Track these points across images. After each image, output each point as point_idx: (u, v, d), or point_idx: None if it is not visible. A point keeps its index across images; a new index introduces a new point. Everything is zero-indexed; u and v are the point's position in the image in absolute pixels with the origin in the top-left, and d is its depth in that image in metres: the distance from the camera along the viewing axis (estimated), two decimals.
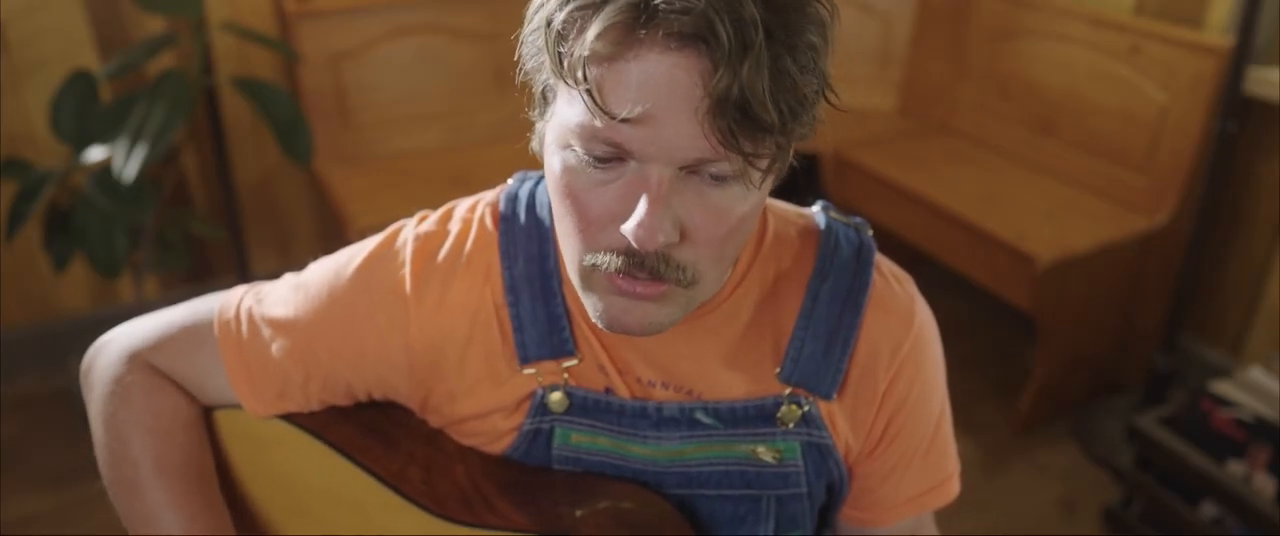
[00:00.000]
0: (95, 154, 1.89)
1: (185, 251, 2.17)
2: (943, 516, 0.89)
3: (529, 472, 0.80)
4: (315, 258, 0.84)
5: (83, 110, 1.92)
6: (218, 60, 2.20)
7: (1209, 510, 1.75)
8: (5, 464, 2.06)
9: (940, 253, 2.26)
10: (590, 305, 0.66)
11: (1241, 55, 1.82)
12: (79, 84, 1.93)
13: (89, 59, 2.15)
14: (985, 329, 2.60)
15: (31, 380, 2.32)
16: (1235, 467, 1.69)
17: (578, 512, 0.75)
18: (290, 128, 1.95)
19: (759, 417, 0.77)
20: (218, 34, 2.16)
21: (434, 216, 0.81)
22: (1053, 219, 2.12)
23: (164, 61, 2.16)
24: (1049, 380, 2.16)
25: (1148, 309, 2.20)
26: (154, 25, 2.18)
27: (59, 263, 1.98)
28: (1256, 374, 1.73)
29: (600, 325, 0.66)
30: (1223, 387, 1.74)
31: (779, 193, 0.84)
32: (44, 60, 2.11)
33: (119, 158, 1.78)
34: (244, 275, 2.38)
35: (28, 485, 2.01)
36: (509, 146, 1.93)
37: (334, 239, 2.18)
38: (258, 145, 2.41)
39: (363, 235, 0.83)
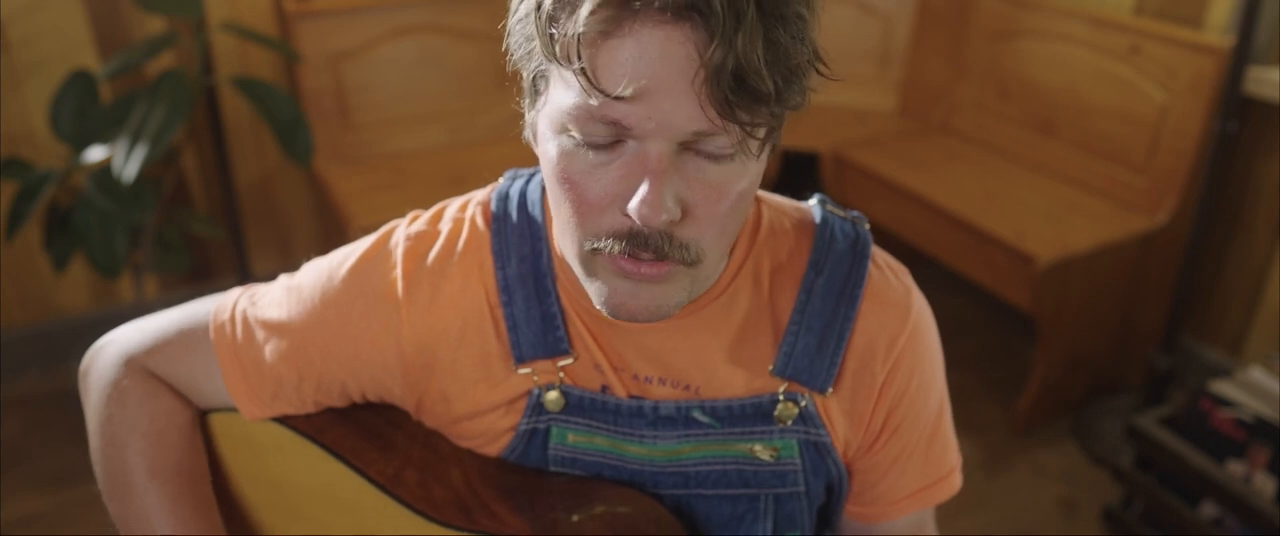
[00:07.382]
0: (95, 154, 1.89)
1: (185, 251, 2.17)
2: (943, 515, 0.89)
3: (526, 475, 0.79)
4: (315, 258, 0.83)
5: (83, 110, 1.92)
6: (218, 60, 2.20)
7: (1209, 510, 1.75)
8: (5, 464, 2.06)
9: (940, 252, 2.26)
10: (594, 292, 0.66)
11: (1241, 55, 1.82)
12: (79, 84, 1.93)
13: (89, 59, 2.15)
14: (985, 329, 2.60)
15: (31, 380, 2.32)
16: (1235, 467, 1.69)
17: (574, 517, 0.75)
18: (290, 128, 1.95)
19: (756, 416, 0.76)
20: (218, 34, 2.16)
21: (425, 216, 0.80)
22: (1053, 219, 2.12)
23: (164, 61, 2.16)
24: (1049, 380, 2.16)
25: (1148, 309, 2.20)
26: (154, 25, 2.18)
27: (59, 263, 1.98)
28: (1256, 374, 1.73)
29: (605, 312, 0.66)
30: (1223, 387, 1.74)
31: (778, 192, 0.84)
32: (44, 60, 2.11)
33: (119, 158, 1.78)
34: (244, 275, 2.38)
35: (28, 485, 2.00)
36: (509, 146, 1.93)
37: (334, 239, 2.18)
38: (258, 145, 2.41)
39: (362, 235, 0.82)
